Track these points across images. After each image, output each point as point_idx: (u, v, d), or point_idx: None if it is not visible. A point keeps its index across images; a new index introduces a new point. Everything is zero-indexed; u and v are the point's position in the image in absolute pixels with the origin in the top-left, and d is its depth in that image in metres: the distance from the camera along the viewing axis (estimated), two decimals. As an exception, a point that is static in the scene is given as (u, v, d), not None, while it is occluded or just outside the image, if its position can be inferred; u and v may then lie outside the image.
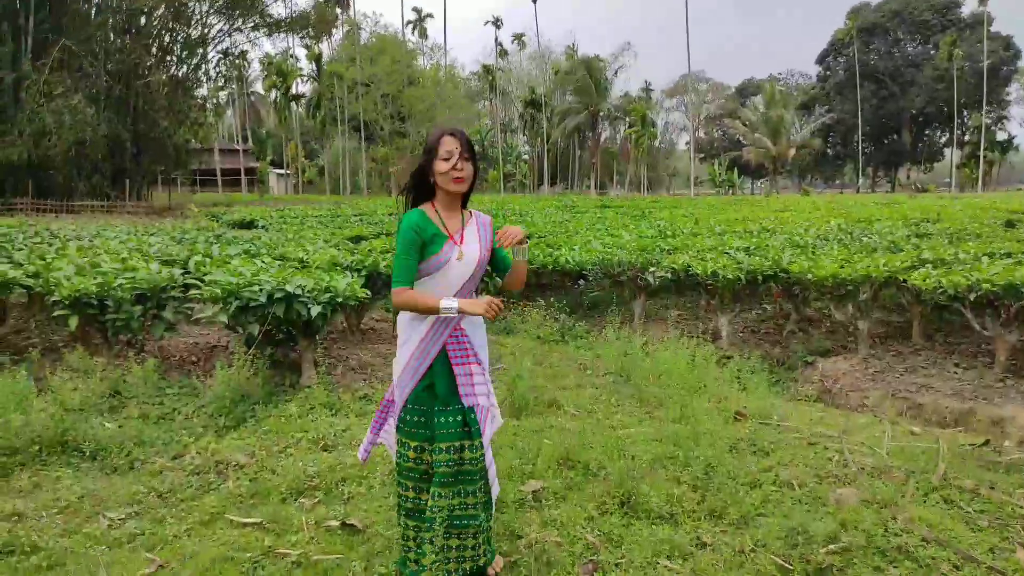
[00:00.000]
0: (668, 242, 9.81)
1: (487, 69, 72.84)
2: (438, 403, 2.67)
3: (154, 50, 37.55)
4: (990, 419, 4.86)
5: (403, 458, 2.72)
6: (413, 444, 2.69)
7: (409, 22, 74.18)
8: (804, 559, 2.81)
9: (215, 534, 3.11)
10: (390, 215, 19.68)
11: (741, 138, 72.62)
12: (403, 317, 2.71)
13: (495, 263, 2.86)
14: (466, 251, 2.65)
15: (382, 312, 8.22)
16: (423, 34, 73.96)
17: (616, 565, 2.83)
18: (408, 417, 2.70)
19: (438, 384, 2.67)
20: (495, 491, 2.78)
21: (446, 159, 2.58)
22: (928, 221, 13.29)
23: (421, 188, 2.70)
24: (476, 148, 2.75)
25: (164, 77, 37.52)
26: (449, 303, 2.58)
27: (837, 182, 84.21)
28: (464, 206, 2.75)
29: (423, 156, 2.66)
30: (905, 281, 6.26)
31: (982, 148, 56.91)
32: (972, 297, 5.61)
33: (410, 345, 2.68)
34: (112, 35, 35.70)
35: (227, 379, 4.72)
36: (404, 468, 2.73)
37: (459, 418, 2.66)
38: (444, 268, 2.62)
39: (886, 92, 67.60)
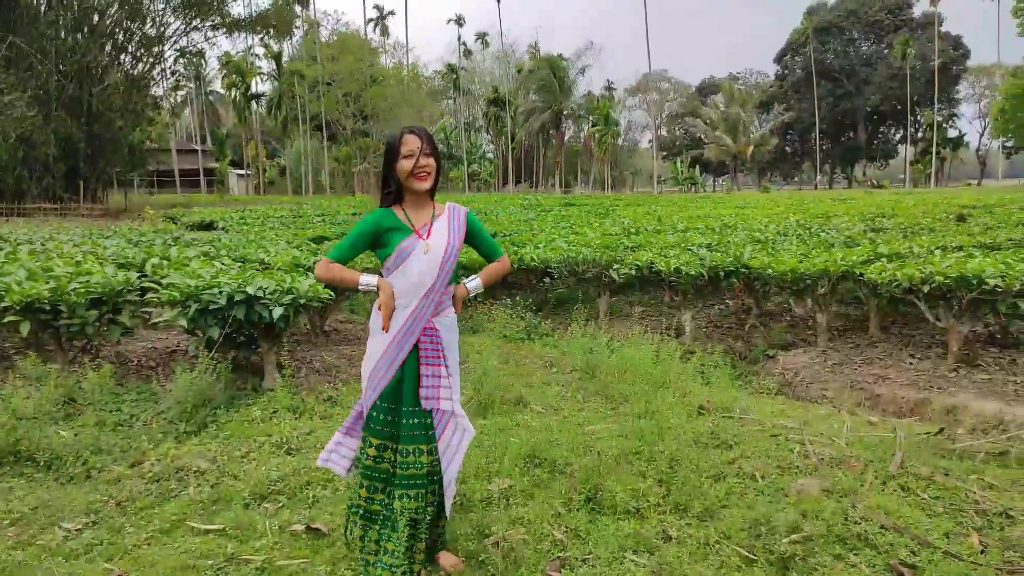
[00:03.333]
0: (632, 239, 9.86)
1: (451, 68, 72.59)
2: (406, 402, 2.65)
3: (109, 49, 36.55)
4: (944, 408, 4.96)
5: (364, 455, 2.70)
6: (376, 442, 2.67)
7: (370, 20, 73.80)
8: (767, 549, 2.84)
9: (176, 542, 3.05)
10: (353, 215, 19.48)
11: (702, 136, 73.63)
12: (376, 311, 2.68)
13: (482, 250, 2.88)
14: (433, 244, 2.63)
15: (347, 313, 8.17)
16: (385, 32, 73.48)
17: (583, 561, 2.83)
18: (375, 414, 2.67)
19: (407, 382, 2.65)
20: (451, 493, 2.75)
21: (408, 157, 2.58)
22: (883, 216, 13.59)
23: (388, 191, 2.69)
24: (440, 146, 2.75)
25: (119, 76, 36.56)
26: (367, 279, 2.60)
27: (796, 179, 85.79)
28: (432, 198, 2.74)
29: (384, 159, 2.67)
30: (862, 275, 6.37)
31: (935, 145, 58.48)
32: (926, 289, 5.72)
33: (382, 340, 2.65)
34: (64, 33, 34.66)
35: (187, 383, 4.63)
36: (363, 467, 2.70)
37: (427, 420, 2.65)
38: (409, 261, 2.60)
39: (842, 90, 69.13)
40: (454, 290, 2.80)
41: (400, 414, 2.65)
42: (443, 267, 2.64)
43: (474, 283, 2.87)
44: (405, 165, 2.59)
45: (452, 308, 2.79)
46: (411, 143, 2.60)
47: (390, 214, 2.66)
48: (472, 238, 2.82)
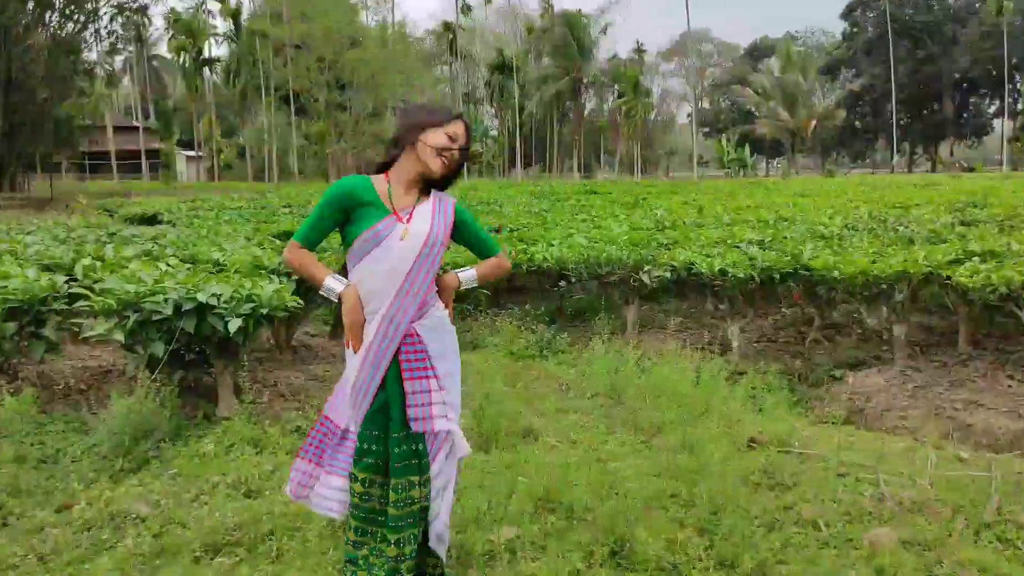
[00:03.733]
0: (667, 235, 9.81)
1: (447, 27, 72.78)
2: (395, 427, 2.68)
3: (31, 5, 36.84)
4: (1051, 441, 4.91)
5: (351, 492, 2.74)
6: (361, 476, 2.70)
7: (348, -32, 74.03)
8: (833, 614, 2.84)
9: (110, 604, 3.06)
10: None
11: (753, 109, 73.60)
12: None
13: (473, 246, 2.92)
14: (413, 229, 2.67)
15: (319, 325, 8.18)
16: (366, -17, 73.86)
17: (607, 629, 2.83)
18: (360, 445, 2.71)
19: (393, 405, 2.69)
20: (439, 527, 2.78)
21: (450, 137, 2.69)
22: (975, 206, 13.50)
23: (390, 159, 2.76)
24: None
25: (44, 38, 36.83)
26: (332, 284, 2.64)
27: (867, 160, 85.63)
28: (425, 192, 2.82)
29: (409, 119, 2.76)
30: (949, 278, 6.33)
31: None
32: (1029, 296, 5.70)
33: (356, 360, 2.69)
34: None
35: (125, 411, 4.63)
36: (352, 504, 2.74)
37: (419, 446, 2.70)
38: (383, 246, 2.63)
39: (924, 52, 68.98)
40: (442, 281, 2.85)
41: (389, 442, 2.69)
42: (423, 258, 2.68)
43: (468, 274, 2.93)
44: (440, 139, 2.67)
45: (438, 305, 2.82)
46: (460, 131, 2.71)
47: (367, 184, 2.71)
48: (461, 232, 2.87)
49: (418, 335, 2.69)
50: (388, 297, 2.65)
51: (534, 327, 8.02)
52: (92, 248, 7.66)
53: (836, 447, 4.61)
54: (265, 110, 60.09)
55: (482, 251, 2.97)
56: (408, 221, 2.67)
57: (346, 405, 2.75)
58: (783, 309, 8.89)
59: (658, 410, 5.21)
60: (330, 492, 2.80)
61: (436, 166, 2.67)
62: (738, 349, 7.29)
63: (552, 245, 9.15)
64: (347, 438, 2.79)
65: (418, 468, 2.69)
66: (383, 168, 2.79)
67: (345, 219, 2.69)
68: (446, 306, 2.84)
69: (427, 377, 2.69)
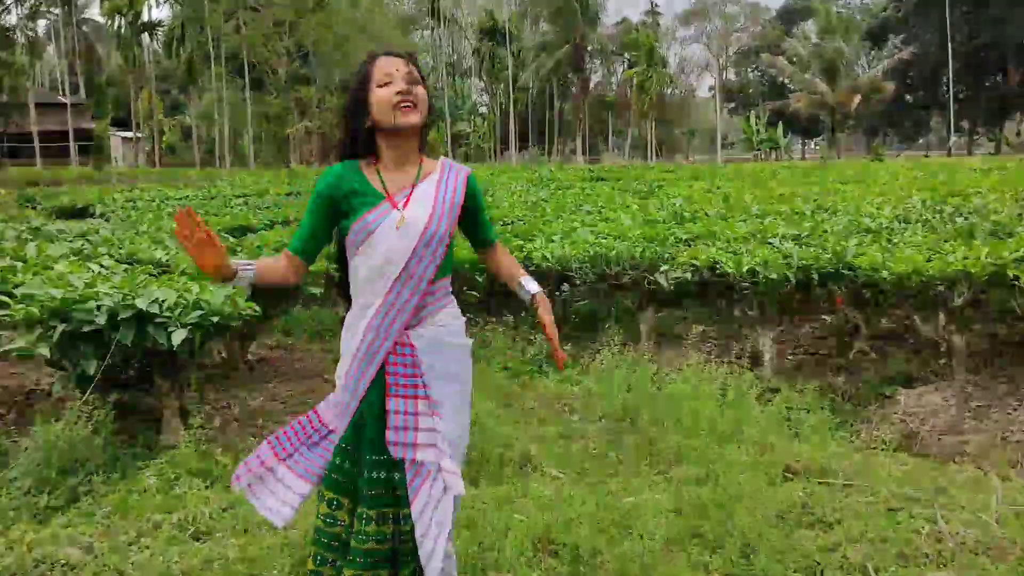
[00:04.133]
0: (687, 229, 9.79)
1: (428, -15, 72.95)
2: (368, 447, 2.67)
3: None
4: None
5: (317, 511, 2.76)
6: (328, 496, 2.73)
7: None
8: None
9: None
10: (288, 195, 19.45)
11: (786, 81, 73.71)
12: (350, 314, 2.76)
13: (473, 234, 2.95)
14: (409, 216, 2.65)
15: (279, 336, 8.19)
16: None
17: None
18: (332, 458, 2.73)
19: (368, 422, 2.68)
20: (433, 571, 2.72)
21: (385, 85, 2.63)
22: (1048, 193, 13.51)
23: (356, 142, 2.73)
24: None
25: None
26: (246, 271, 2.63)
27: (920, 141, 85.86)
28: (422, 150, 2.80)
29: (351, 93, 2.71)
30: (1017, 278, 6.30)
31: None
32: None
33: (347, 356, 2.72)
34: None
35: (51, 438, 4.60)
36: (315, 526, 2.76)
37: (395, 475, 2.68)
38: (375, 238, 2.64)
39: (985, 15, 69.08)
40: (531, 299, 2.87)
41: (361, 462, 2.68)
42: (423, 247, 2.65)
43: (536, 285, 2.93)
44: (382, 94, 2.62)
45: (447, 314, 2.80)
46: (388, 66, 2.65)
47: (355, 171, 2.72)
48: (469, 212, 2.85)
49: (411, 345, 2.67)
50: (381, 292, 2.65)
51: (531, 337, 8.00)
52: (11, 247, 7.62)
53: (887, 477, 4.60)
54: (215, 83, 59.87)
55: (482, 241, 2.97)
56: (404, 206, 2.66)
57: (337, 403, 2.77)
58: (823, 316, 8.89)
59: (678, 435, 5.21)
60: (284, 493, 2.75)
61: (404, 119, 2.62)
62: (771, 363, 7.27)
63: (552, 241, 9.13)
64: (330, 439, 2.78)
65: (392, 501, 2.67)
66: (354, 151, 2.76)
67: (339, 215, 2.71)
68: (549, 338, 2.83)
69: (414, 397, 2.67)
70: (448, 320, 2.78)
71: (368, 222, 2.62)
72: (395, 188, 2.69)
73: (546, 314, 2.84)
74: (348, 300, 2.82)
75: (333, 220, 2.72)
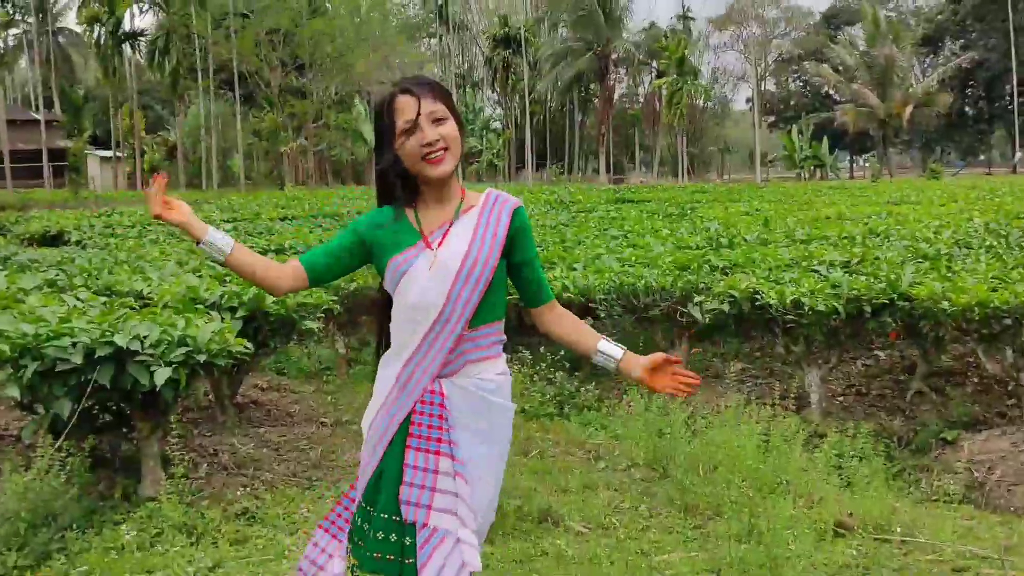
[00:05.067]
0: (723, 256, 9.90)
1: (436, -12, 73.18)
2: (380, 504, 2.63)
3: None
4: None
5: None
6: (353, 560, 2.73)
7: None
8: None
9: None
10: (283, 220, 19.86)
11: (832, 92, 73.62)
12: (387, 352, 2.74)
13: (522, 283, 2.77)
14: (442, 255, 2.59)
15: (272, 376, 8.24)
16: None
17: None
18: (355, 519, 2.74)
19: (386, 475, 2.64)
20: None
21: (406, 132, 2.56)
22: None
23: (391, 191, 2.70)
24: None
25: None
26: (219, 241, 2.68)
27: (981, 157, 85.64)
28: (458, 181, 2.76)
29: (376, 140, 2.68)
30: (1093, 311, 6.34)
31: None
32: None
33: (376, 400, 2.70)
34: None
35: (21, 489, 4.52)
36: None
37: (405, 539, 2.59)
38: (407, 279, 2.60)
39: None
40: (619, 360, 2.69)
41: (372, 520, 2.64)
42: (459, 288, 2.56)
43: (617, 347, 2.76)
44: (409, 147, 2.57)
45: (491, 366, 2.69)
46: (408, 109, 2.56)
47: (388, 214, 2.71)
48: (514, 253, 2.70)
49: (441, 394, 2.61)
50: (416, 337, 2.61)
51: (552, 376, 7.96)
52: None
53: (950, 533, 4.60)
54: (202, 98, 60.02)
55: (533, 296, 2.79)
56: (439, 246, 2.62)
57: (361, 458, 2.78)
58: (876, 352, 8.95)
59: (715, 485, 5.14)
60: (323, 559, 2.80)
61: (431, 170, 2.58)
62: (818, 404, 7.23)
63: (574, 269, 9.30)
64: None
65: (398, 567, 2.57)
66: (392, 196, 2.72)
67: (369, 255, 2.73)
68: (675, 361, 2.66)
69: (436, 453, 2.59)
70: (490, 375, 2.68)
71: (399, 263, 2.62)
72: (432, 226, 2.67)
73: (646, 365, 2.66)
74: (380, 337, 2.85)
75: (358, 259, 2.76)
